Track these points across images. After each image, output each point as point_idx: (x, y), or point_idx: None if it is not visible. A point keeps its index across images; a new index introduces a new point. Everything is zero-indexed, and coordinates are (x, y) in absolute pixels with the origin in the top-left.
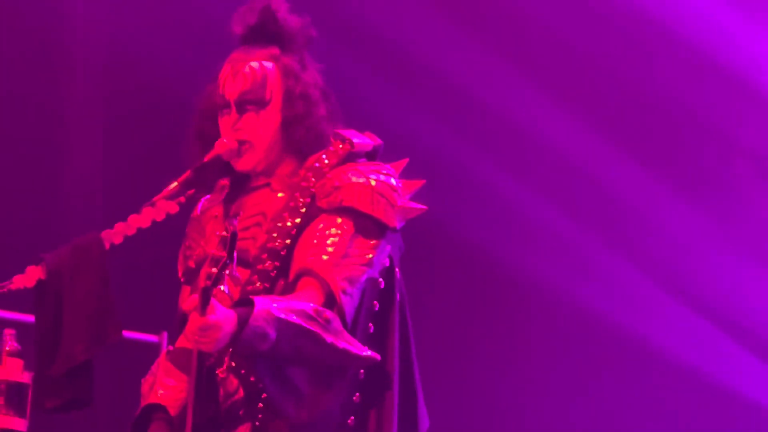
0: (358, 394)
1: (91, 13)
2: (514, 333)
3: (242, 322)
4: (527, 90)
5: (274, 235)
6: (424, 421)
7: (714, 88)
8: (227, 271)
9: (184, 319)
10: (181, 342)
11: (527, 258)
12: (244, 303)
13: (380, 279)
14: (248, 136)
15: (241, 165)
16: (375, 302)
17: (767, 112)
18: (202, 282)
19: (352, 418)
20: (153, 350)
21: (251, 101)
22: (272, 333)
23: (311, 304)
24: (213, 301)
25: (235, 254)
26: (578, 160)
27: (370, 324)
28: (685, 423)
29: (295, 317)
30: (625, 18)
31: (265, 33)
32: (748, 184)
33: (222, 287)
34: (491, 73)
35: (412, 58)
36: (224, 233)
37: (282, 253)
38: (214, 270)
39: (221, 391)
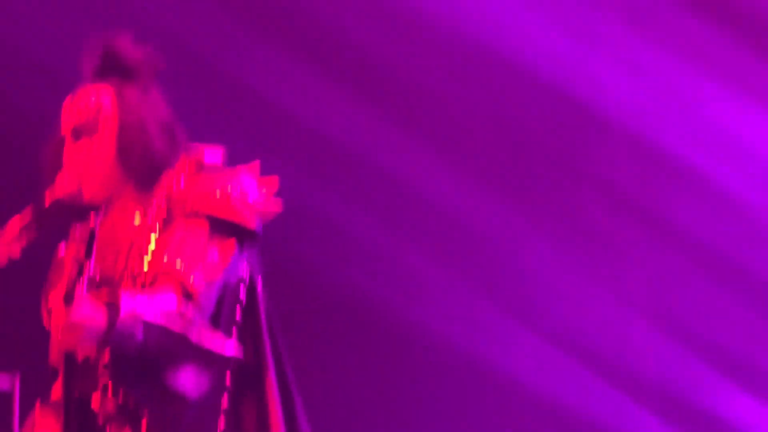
0: (226, 398)
1: None
2: (386, 373)
3: (110, 325)
4: (395, 139)
5: (131, 259)
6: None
7: (567, 121)
8: (84, 267)
9: (54, 371)
10: (56, 393)
11: (395, 300)
12: (109, 305)
13: (240, 292)
14: (82, 167)
15: (79, 201)
16: (237, 311)
17: (616, 144)
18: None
19: (223, 422)
20: (4, 400)
21: (84, 131)
22: (138, 334)
23: (175, 304)
24: (80, 297)
25: (93, 252)
26: (446, 205)
27: (233, 331)
28: None
29: (161, 318)
30: (473, 51)
31: (108, 68)
32: (596, 213)
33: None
34: (357, 124)
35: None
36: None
37: (140, 275)
38: (74, 272)
39: (101, 416)
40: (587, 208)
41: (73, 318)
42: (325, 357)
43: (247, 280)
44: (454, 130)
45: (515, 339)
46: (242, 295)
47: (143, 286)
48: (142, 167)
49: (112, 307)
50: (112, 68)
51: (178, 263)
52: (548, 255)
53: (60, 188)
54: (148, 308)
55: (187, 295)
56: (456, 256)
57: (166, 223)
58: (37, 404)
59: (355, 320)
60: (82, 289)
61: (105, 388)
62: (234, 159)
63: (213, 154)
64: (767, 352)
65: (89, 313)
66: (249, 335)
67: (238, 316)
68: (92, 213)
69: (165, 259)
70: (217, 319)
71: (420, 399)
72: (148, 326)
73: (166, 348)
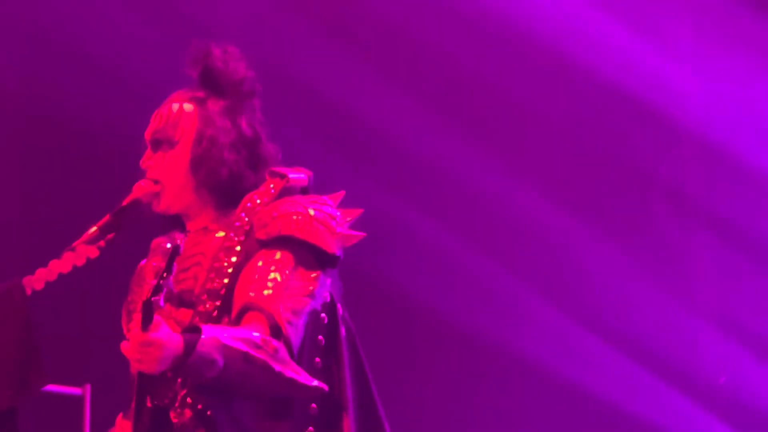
0: (311, 428)
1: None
2: (450, 377)
3: (190, 347)
4: (456, 141)
5: (212, 275)
6: None
7: (635, 128)
8: (163, 283)
9: (133, 381)
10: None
11: (458, 304)
12: (191, 330)
13: (323, 314)
14: (157, 175)
15: (156, 206)
16: (320, 337)
17: (684, 149)
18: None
19: None
20: (75, 403)
21: (161, 140)
22: (219, 359)
23: (258, 334)
24: (158, 318)
25: (174, 266)
26: (502, 203)
27: (317, 359)
28: None
29: (242, 345)
30: (544, 57)
31: (202, 79)
32: (665, 220)
33: (157, 299)
34: (426, 127)
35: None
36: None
37: (221, 292)
38: (154, 282)
39: (177, 425)
40: (657, 214)
41: (151, 337)
42: (410, 377)
43: (329, 303)
44: (524, 139)
45: (583, 346)
46: (324, 318)
47: (221, 305)
48: (209, 180)
49: (194, 330)
50: (206, 80)
51: (264, 295)
52: (618, 263)
53: (138, 189)
54: (230, 335)
55: (274, 328)
56: (525, 263)
57: (247, 242)
58: (119, 416)
59: (440, 342)
60: (159, 302)
61: (183, 399)
62: (320, 185)
63: (298, 177)
64: None
65: (167, 333)
66: (333, 359)
67: (322, 342)
68: (176, 229)
69: (251, 293)
70: (303, 345)
71: (498, 407)
72: (229, 350)
73: (248, 373)
